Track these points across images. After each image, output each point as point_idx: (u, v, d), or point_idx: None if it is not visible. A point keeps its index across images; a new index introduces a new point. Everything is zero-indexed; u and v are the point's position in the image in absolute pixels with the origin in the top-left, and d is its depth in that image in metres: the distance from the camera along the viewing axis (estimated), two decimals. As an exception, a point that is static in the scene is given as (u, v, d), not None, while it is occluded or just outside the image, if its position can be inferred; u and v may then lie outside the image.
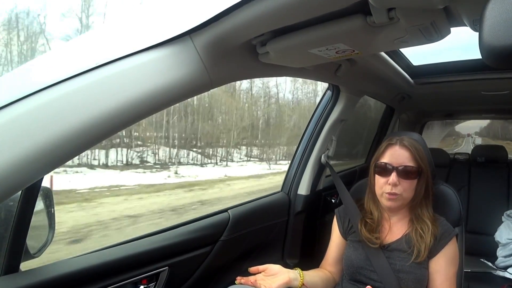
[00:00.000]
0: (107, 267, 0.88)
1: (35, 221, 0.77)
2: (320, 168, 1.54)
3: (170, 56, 0.59)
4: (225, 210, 1.24)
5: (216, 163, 15.08)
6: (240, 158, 16.39)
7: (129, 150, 12.96)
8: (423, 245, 0.99)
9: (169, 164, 13.59)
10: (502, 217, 2.02)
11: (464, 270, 1.21)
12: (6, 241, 0.74)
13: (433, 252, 1.00)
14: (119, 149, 12.66)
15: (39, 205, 0.80)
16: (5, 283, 0.72)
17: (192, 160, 14.57)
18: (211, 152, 15.37)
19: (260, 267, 0.98)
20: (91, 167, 11.52)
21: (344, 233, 1.16)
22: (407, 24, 0.66)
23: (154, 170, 12.57)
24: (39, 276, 0.76)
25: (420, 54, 1.71)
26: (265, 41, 0.73)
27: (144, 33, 0.59)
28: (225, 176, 12.25)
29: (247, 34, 0.66)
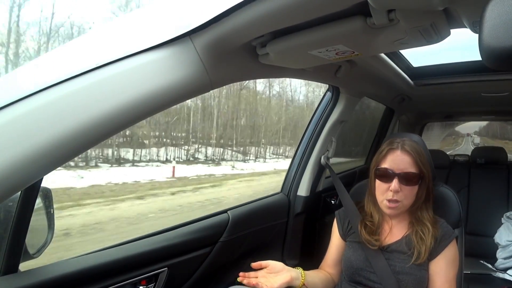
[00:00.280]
0: (106, 268, 0.87)
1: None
2: (320, 169, 1.54)
3: (170, 57, 0.59)
4: (225, 211, 1.24)
5: (254, 160, 17.90)
6: (275, 155, 19.19)
7: (176, 149, 14.89)
8: (423, 247, 0.99)
9: (217, 160, 15.96)
10: (502, 218, 2.02)
11: (464, 272, 1.21)
12: (5, 241, 0.73)
13: (433, 254, 1.00)
14: (169, 148, 14.57)
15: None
16: (4, 283, 0.71)
17: (231, 157, 16.89)
18: (246, 150, 18.01)
19: (263, 263, 0.98)
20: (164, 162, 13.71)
21: (344, 234, 1.15)
22: (407, 25, 0.66)
23: (209, 164, 14.87)
24: (38, 276, 0.76)
25: (420, 56, 1.71)
26: (265, 42, 0.73)
27: (144, 34, 0.59)
28: (274, 169, 15.09)
29: (247, 35, 0.66)
